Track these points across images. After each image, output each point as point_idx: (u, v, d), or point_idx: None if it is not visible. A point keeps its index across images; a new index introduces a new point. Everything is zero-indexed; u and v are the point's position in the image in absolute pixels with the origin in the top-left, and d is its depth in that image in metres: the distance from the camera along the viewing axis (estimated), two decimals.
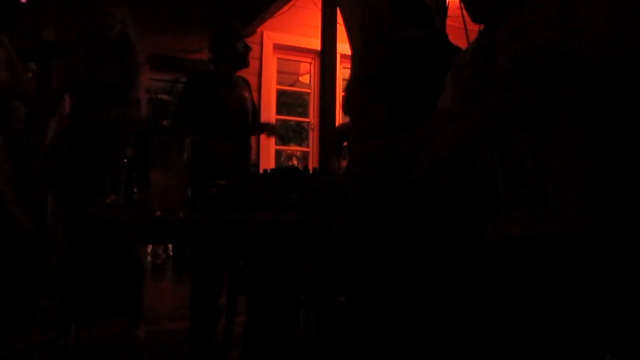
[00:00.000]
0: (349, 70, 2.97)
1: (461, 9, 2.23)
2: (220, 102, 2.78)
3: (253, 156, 3.98)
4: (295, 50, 5.66)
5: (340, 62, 4.92)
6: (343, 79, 5.55)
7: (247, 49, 2.90)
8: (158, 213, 1.25)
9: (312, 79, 5.99)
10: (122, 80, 2.75)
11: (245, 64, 2.90)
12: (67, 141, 2.72)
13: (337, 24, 3.33)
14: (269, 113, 5.46)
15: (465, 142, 1.32)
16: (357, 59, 2.76)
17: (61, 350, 2.60)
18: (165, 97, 9.68)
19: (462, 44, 1.86)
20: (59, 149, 2.74)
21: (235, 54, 2.84)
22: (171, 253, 5.77)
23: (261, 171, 2.05)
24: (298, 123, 7.98)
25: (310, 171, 1.88)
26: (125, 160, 1.92)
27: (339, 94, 5.19)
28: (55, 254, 4.34)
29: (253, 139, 3.48)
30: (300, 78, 7.28)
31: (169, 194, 1.28)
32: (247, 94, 2.94)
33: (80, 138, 2.67)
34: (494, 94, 1.33)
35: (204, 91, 2.77)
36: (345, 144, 3.94)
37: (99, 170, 2.61)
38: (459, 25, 2.44)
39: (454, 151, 1.28)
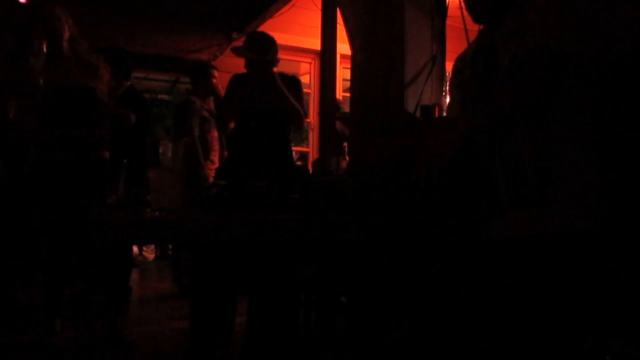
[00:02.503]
0: (349, 71, 2.96)
1: (461, 9, 2.23)
2: (241, 101, 2.90)
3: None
4: (295, 50, 5.66)
5: (340, 63, 4.92)
6: (343, 79, 5.55)
7: (252, 60, 2.95)
8: (157, 213, 1.25)
9: (312, 79, 5.99)
10: (83, 81, 2.71)
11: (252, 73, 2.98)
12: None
13: (337, 24, 3.33)
14: None
15: (466, 141, 1.32)
16: (357, 63, 2.77)
17: (48, 349, 2.60)
18: (165, 97, 9.67)
19: (462, 44, 1.85)
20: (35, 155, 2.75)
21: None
22: (170, 253, 5.76)
23: None
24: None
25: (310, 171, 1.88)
26: (124, 160, 1.92)
27: (339, 94, 5.19)
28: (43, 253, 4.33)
29: None
30: (300, 78, 7.28)
31: (167, 193, 1.28)
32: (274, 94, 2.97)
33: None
34: (496, 93, 1.33)
35: (233, 91, 2.94)
36: (345, 144, 3.94)
37: (79, 173, 2.63)
38: (459, 25, 2.44)
39: (455, 150, 1.28)
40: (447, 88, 2.75)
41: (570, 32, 1.22)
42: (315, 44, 3.96)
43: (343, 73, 5.40)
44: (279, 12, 5.11)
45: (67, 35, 2.71)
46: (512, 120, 1.31)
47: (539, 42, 1.24)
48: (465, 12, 1.53)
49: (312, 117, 5.98)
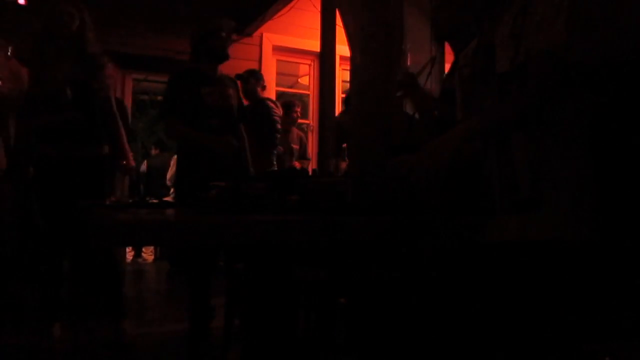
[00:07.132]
0: (349, 72, 2.96)
1: None
2: (199, 98, 2.71)
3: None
4: (295, 51, 5.66)
5: (340, 64, 4.92)
6: (342, 81, 5.55)
7: (224, 41, 2.82)
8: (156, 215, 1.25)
9: (311, 80, 5.99)
10: (86, 78, 2.73)
11: (221, 57, 2.83)
12: (42, 142, 2.70)
13: (337, 26, 3.33)
14: None
15: (463, 145, 1.32)
16: (356, 64, 2.76)
17: (44, 352, 2.59)
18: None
19: None
20: (35, 151, 2.74)
21: (208, 50, 2.79)
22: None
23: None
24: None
25: (310, 172, 1.88)
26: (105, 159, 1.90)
27: (338, 95, 5.19)
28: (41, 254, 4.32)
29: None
30: (299, 80, 7.28)
31: None
32: (231, 91, 2.88)
33: (54, 137, 2.67)
34: (498, 101, 1.32)
35: (184, 88, 2.72)
36: (344, 145, 3.94)
37: (78, 170, 2.64)
38: None
39: (454, 153, 1.28)
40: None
41: (578, 38, 1.20)
42: (315, 45, 3.96)
43: (342, 74, 5.41)
44: (279, 14, 5.12)
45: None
46: (510, 129, 1.30)
47: (543, 49, 1.22)
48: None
49: (312, 119, 5.98)
